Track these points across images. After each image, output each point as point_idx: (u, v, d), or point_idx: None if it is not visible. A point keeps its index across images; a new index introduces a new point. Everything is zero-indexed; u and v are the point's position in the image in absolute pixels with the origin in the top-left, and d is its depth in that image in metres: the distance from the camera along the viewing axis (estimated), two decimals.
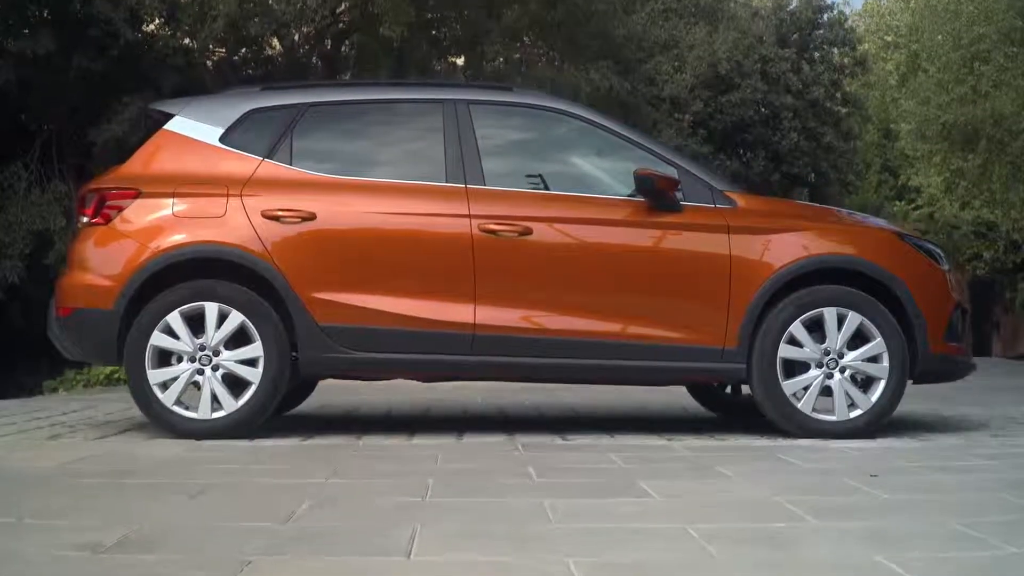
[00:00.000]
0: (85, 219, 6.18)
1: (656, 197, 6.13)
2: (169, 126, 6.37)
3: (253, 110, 6.38)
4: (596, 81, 15.76)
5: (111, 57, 13.79)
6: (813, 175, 20.59)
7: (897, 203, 28.85)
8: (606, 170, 6.49)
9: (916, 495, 4.08)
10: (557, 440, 6.02)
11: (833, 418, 6.11)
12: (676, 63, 19.39)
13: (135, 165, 6.30)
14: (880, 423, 6.16)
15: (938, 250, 6.51)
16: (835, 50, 22.27)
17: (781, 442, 5.98)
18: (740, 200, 6.29)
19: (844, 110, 21.94)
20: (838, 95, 21.54)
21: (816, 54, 21.14)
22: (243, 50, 16.13)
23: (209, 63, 16.36)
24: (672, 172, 6.21)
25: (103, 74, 13.92)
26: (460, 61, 18.37)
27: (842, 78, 21.79)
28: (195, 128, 6.32)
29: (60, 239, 13.61)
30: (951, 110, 19.26)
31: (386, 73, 15.11)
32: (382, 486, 4.25)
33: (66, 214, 13.77)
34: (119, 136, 13.52)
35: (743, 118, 19.55)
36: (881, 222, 6.75)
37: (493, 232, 6.04)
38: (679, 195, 6.17)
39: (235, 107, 6.42)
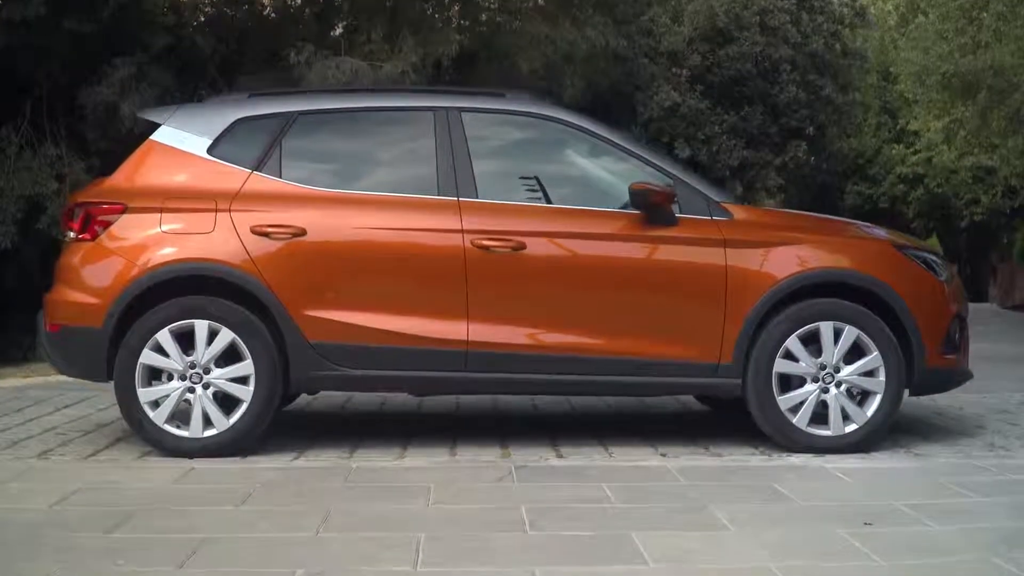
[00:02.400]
0: (72, 234, 6.10)
1: (651, 211, 6.05)
2: (156, 136, 6.26)
3: (241, 119, 6.27)
4: (592, 39, 15.53)
5: (101, 19, 13.55)
6: (812, 128, 20.41)
7: (896, 146, 28.66)
8: (600, 180, 6.42)
9: (907, 559, 4.03)
10: (551, 458, 5.99)
11: (828, 433, 6.09)
12: (674, 12, 19.15)
13: (122, 177, 6.21)
14: (875, 437, 6.14)
15: (936, 259, 6.43)
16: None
17: (776, 459, 5.96)
18: (736, 212, 6.22)
19: (843, 61, 21.68)
20: (837, 46, 21.28)
21: (816, 2, 20.86)
22: (233, 6, 15.84)
23: (202, 16, 16.10)
24: (667, 183, 6.13)
25: (93, 36, 13.69)
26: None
27: (842, 29, 21.52)
28: (182, 139, 6.21)
29: (52, 203, 13.47)
30: (951, 60, 19.04)
31: (380, 30, 14.87)
32: (372, 545, 4.20)
33: (57, 178, 13.60)
34: (109, 99, 13.33)
35: (741, 72, 19.29)
36: (880, 232, 6.68)
37: (486, 248, 5.96)
38: (675, 207, 6.10)
39: (223, 116, 6.31)
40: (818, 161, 22.62)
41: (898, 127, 28.46)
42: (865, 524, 4.50)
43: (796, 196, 27.72)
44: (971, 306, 21.00)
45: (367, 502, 4.94)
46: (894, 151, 28.86)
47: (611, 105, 18.26)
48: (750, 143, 19.38)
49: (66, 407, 7.75)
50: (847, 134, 24.99)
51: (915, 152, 27.11)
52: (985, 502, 4.92)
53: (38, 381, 9.45)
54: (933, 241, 28.39)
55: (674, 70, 18.94)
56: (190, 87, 14.06)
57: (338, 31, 16.73)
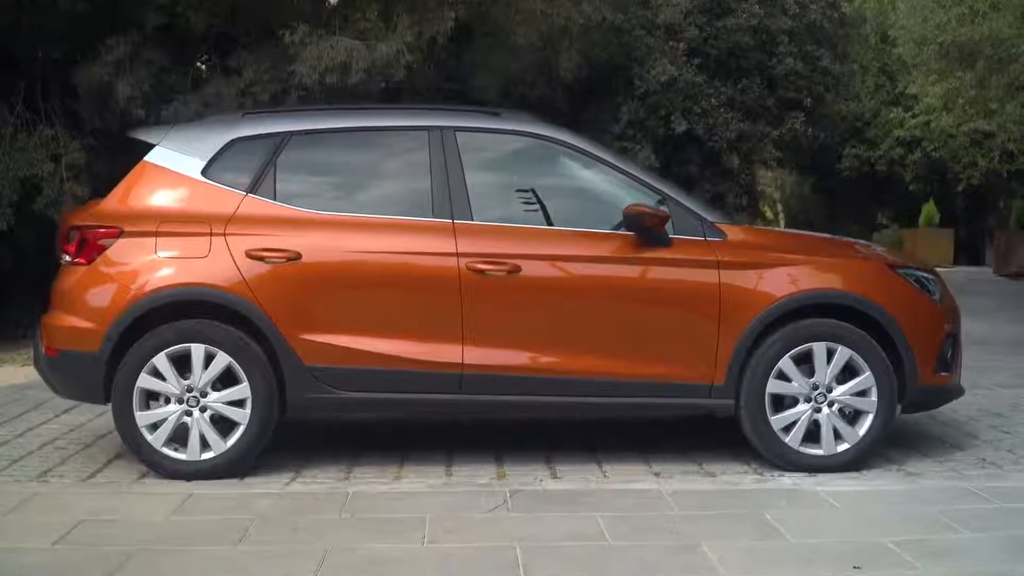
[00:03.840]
0: (67, 258, 6.12)
1: (646, 233, 6.07)
2: (150, 157, 6.26)
3: (235, 140, 6.27)
4: (589, 13, 15.47)
5: None
6: (809, 99, 20.32)
7: (894, 109, 28.54)
8: (594, 200, 6.42)
9: None
10: (546, 478, 6.07)
11: (820, 452, 6.16)
12: None
13: (117, 200, 6.22)
14: (867, 455, 6.21)
15: (930, 277, 6.46)
16: None
17: (768, 480, 6.05)
18: (730, 232, 6.24)
19: (842, 31, 21.58)
20: (835, 16, 21.15)
21: None
22: None
23: None
24: (662, 204, 6.15)
25: (88, 15, 13.62)
26: None
27: None
28: (176, 160, 6.22)
29: (48, 185, 13.46)
30: (948, 29, 18.95)
31: (375, 8, 14.75)
32: None
33: (53, 158, 13.57)
34: (104, 79, 13.28)
35: (739, 44, 19.18)
36: (877, 251, 6.72)
37: (481, 271, 5.99)
38: (669, 227, 6.12)
39: (217, 136, 6.31)
40: (816, 131, 22.54)
41: (897, 90, 28.33)
42: (855, 568, 4.56)
43: (793, 161, 27.71)
44: (967, 271, 20.77)
45: (364, 540, 4.98)
46: (892, 114, 28.75)
47: (608, 79, 18.21)
48: (747, 115, 19.29)
49: (65, 412, 7.80)
50: (845, 98, 24.84)
51: (913, 116, 27.01)
52: (975, 539, 4.96)
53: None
54: (930, 207, 28.39)
55: (671, 43, 18.85)
56: (184, 66, 13.98)
57: (333, 1, 16.60)
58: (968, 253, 28.81)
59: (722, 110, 18.80)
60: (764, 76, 19.81)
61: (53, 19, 13.48)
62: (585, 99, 18.42)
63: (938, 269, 21.23)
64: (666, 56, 18.45)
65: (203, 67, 14.87)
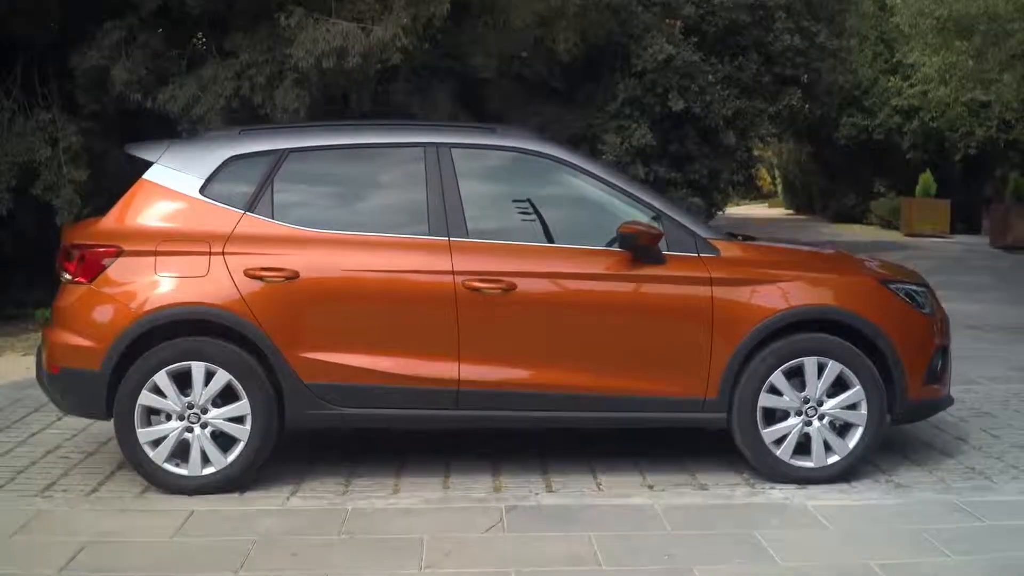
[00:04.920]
0: (68, 276, 6.20)
1: (640, 251, 6.15)
2: (148, 176, 6.32)
3: (232, 157, 6.33)
4: None
5: None
6: (806, 75, 20.30)
7: (892, 78, 28.51)
8: (588, 216, 6.47)
9: None
10: (542, 492, 6.18)
11: (811, 464, 6.27)
12: None
13: (115, 218, 6.29)
14: (857, 467, 6.32)
15: (921, 291, 6.54)
16: None
17: (759, 493, 6.16)
18: (723, 248, 6.31)
19: (839, 6, 21.51)
20: None
21: None
22: None
23: None
24: (656, 220, 6.23)
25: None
26: None
27: None
28: (175, 178, 6.28)
29: (46, 169, 13.50)
30: (946, 4, 18.95)
31: None
32: None
33: (50, 143, 13.59)
34: (100, 64, 13.28)
35: (736, 21, 19.14)
36: (869, 266, 6.82)
37: (477, 289, 6.06)
38: (662, 244, 6.19)
39: (214, 154, 6.36)
40: (812, 108, 22.52)
41: (894, 59, 28.28)
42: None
43: (791, 129, 27.70)
44: (963, 242, 20.89)
45: (362, 564, 5.08)
46: (890, 83, 28.72)
47: (605, 57, 18.17)
48: (744, 92, 19.27)
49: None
50: (843, 72, 24.70)
51: (911, 85, 26.96)
52: (960, 563, 5.05)
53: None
54: (926, 176, 28.38)
55: (668, 21, 18.80)
56: (180, 49, 13.95)
57: None
58: (965, 222, 28.84)
59: (719, 87, 18.76)
60: (761, 53, 19.75)
61: (49, 3, 13.45)
62: (582, 77, 18.38)
63: (934, 239, 21.28)
64: (663, 34, 18.42)
65: (201, 45, 14.80)
